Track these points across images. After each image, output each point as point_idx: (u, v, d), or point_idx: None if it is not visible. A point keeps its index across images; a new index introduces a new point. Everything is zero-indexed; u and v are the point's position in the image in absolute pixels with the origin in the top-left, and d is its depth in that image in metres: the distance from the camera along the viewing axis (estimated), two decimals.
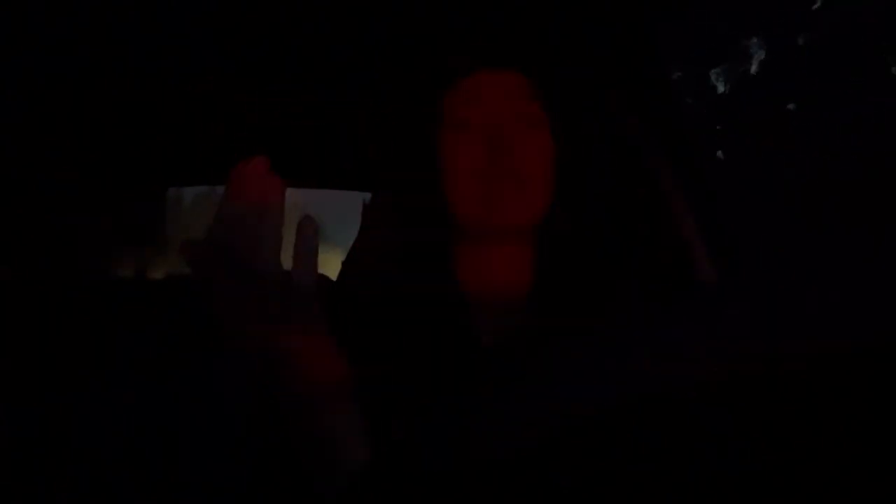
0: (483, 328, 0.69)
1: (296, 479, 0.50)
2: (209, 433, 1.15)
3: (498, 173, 0.66)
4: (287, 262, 0.47)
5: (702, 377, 0.26)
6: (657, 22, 1.00)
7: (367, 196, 0.77)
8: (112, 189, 1.92)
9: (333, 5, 1.01)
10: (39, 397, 1.17)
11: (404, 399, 0.54)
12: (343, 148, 1.58)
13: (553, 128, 0.71)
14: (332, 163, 1.73)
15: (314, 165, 1.74)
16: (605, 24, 1.02)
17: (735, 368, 0.26)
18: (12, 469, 1.06)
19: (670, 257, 1.07)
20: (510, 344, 0.67)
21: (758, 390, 0.27)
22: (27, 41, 1.13)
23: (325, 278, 0.69)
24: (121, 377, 1.25)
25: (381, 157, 0.76)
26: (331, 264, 0.79)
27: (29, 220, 1.36)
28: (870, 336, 0.26)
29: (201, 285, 0.43)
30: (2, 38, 1.10)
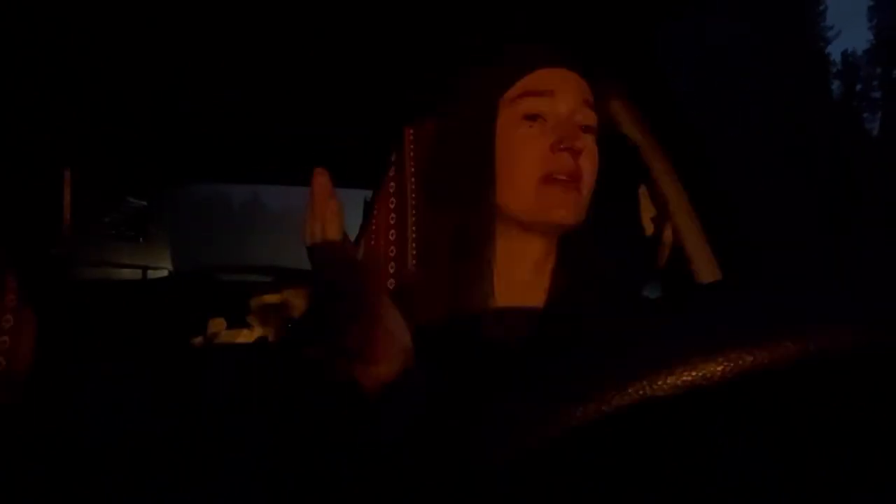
0: (501, 329, 0.68)
1: (296, 476, 0.50)
2: (209, 432, 1.15)
3: (559, 170, 0.65)
4: None
5: (703, 377, 0.26)
6: (657, 22, 1.00)
7: (369, 194, 0.77)
8: (111, 188, 1.93)
9: None
10: (39, 397, 1.17)
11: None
12: (348, 146, 1.57)
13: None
14: (332, 161, 1.72)
15: (313, 164, 1.73)
16: (606, 23, 1.02)
17: (735, 368, 0.26)
18: (12, 469, 1.06)
19: (672, 258, 1.07)
20: (525, 346, 0.66)
21: (757, 390, 0.27)
22: (27, 41, 1.13)
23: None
24: (119, 376, 1.26)
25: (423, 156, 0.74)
26: None
27: (28, 219, 1.36)
28: (869, 337, 0.26)
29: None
30: (2, 38, 1.10)
